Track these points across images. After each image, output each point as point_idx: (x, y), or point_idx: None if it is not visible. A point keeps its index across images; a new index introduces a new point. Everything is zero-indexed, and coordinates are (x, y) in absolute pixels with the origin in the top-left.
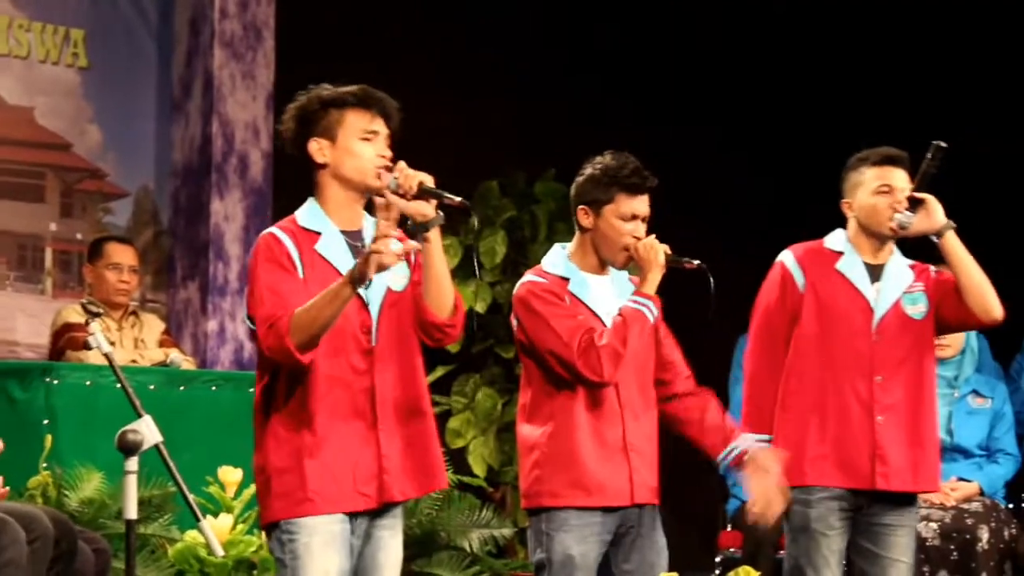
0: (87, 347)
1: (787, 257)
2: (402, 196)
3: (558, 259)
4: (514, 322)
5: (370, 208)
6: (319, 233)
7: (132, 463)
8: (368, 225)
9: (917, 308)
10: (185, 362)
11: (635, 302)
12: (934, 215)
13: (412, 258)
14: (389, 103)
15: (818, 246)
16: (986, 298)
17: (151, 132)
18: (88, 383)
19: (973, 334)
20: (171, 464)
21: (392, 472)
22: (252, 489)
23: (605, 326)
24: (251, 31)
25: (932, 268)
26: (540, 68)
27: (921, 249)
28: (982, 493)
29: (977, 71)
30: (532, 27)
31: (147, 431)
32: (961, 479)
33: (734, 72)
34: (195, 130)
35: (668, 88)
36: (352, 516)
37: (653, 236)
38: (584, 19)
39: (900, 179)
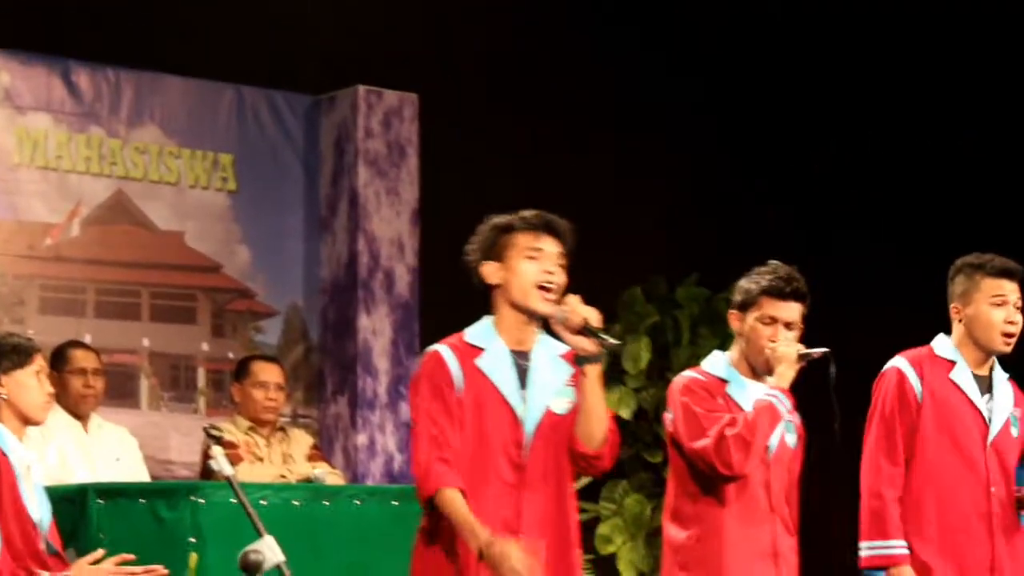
0: (209, 472)
1: (902, 364)
2: (568, 329)
3: (718, 361)
4: (667, 416)
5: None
6: (483, 349)
7: None
8: (540, 348)
9: (1018, 429)
10: (331, 476)
11: (766, 394)
12: None
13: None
14: (558, 223)
15: (929, 352)
16: None
17: (299, 251)
18: (234, 501)
19: None
20: None
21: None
22: None
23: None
24: (395, 149)
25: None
26: (684, 175)
27: None
28: None
29: None
30: (674, 133)
31: (268, 551)
32: None
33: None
34: (342, 247)
35: (811, 196)
36: None
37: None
38: (728, 124)
39: (1015, 292)
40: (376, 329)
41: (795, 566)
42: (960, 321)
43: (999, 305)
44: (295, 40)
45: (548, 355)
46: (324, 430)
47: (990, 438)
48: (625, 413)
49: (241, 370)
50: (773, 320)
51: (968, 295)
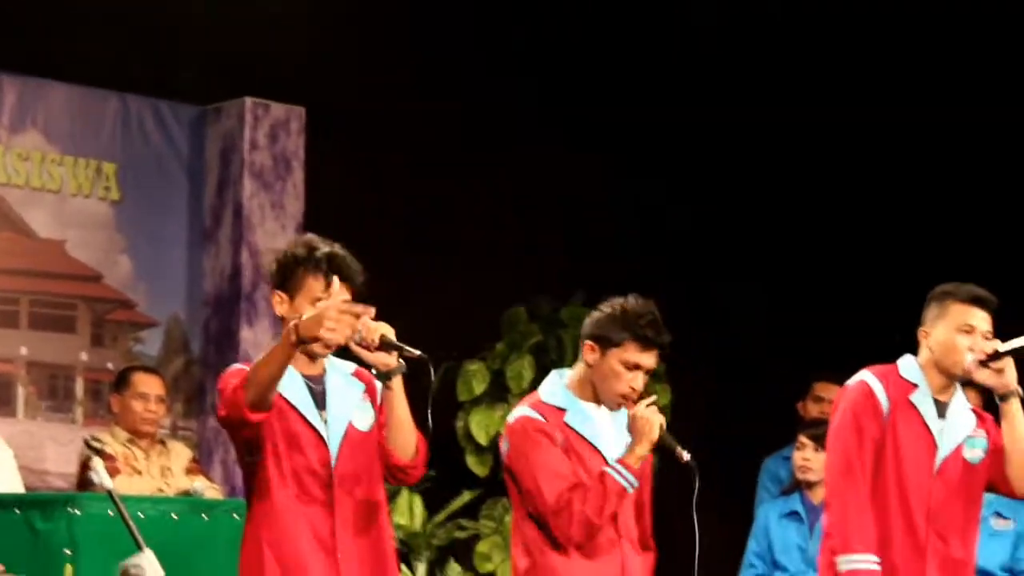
0: (89, 483)
1: (870, 378)
2: (365, 348)
3: (556, 388)
4: (503, 446)
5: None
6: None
7: None
8: (331, 370)
9: (974, 453)
10: (210, 490)
11: (618, 473)
12: (1008, 376)
13: (379, 401)
14: (347, 266)
15: (895, 372)
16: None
17: (182, 262)
18: (111, 513)
19: None
20: None
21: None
22: None
23: (604, 459)
24: (281, 162)
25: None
26: (571, 195)
27: None
28: None
29: None
30: (560, 154)
31: (148, 565)
32: None
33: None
34: (225, 260)
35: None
36: None
37: (653, 406)
38: (614, 145)
39: (983, 322)
40: (258, 342)
41: None
42: (927, 346)
43: (966, 333)
44: (182, 50)
45: (340, 375)
46: (203, 443)
47: (936, 464)
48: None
49: (121, 381)
50: (637, 367)
51: (936, 321)
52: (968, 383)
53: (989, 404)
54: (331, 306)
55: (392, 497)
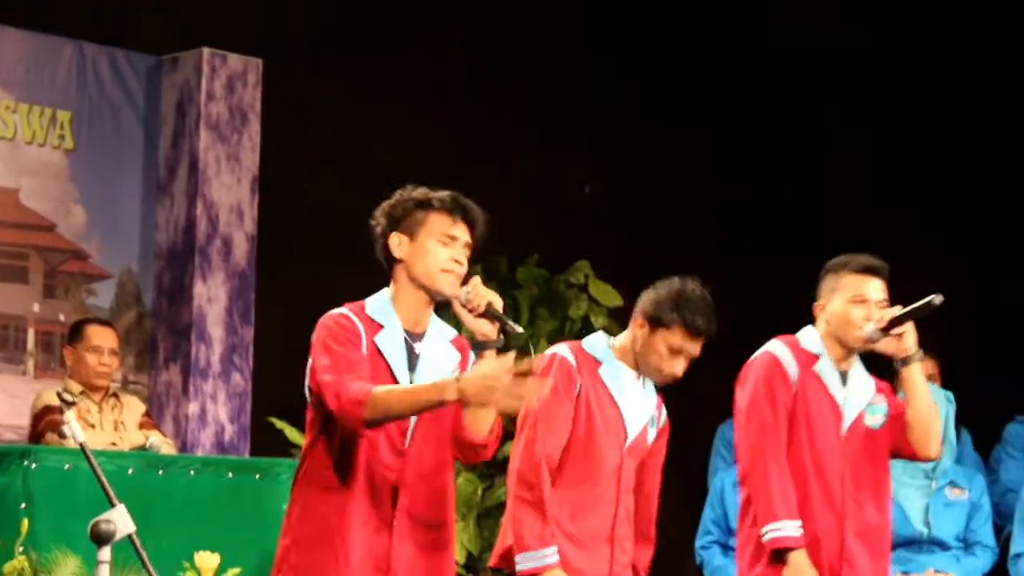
0: (62, 436)
1: (779, 350)
2: (469, 311)
3: (600, 343)
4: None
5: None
6: (383, 325)
7: (105, 553)
8: (432, 331)
9: (875, 419)
10: (165, 445)
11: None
12: (905, 343)
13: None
14: (475, 212)
15: (797, 343)
16: (929, 435)
17: (136, 214)
18: (67, 467)
19: (952, 426)
20: (143, 554)
21: (399, 572)
22: (230, 574)
23: (622, 416)
24: (237, 114)
25: (899, 394)
26: (526, 155)
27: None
28: None
29: None
30: (517, 113)
31: (120, 521)
32: (939, 571)
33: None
34: (179, 212)
35: (656, 178)
36: None
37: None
38: (572, 104)
39: (876, 291)
40: (212, 296)
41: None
42: (823, 319)
43: (859, 304)
44: None
45: (439, 339)
46: (155, 397)
47: (843, 430)
48: None
49: (74, 333)
50: (680, 352)
51: (831, 293)
52: (868, 352)
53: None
54: (501, 376)
55: None
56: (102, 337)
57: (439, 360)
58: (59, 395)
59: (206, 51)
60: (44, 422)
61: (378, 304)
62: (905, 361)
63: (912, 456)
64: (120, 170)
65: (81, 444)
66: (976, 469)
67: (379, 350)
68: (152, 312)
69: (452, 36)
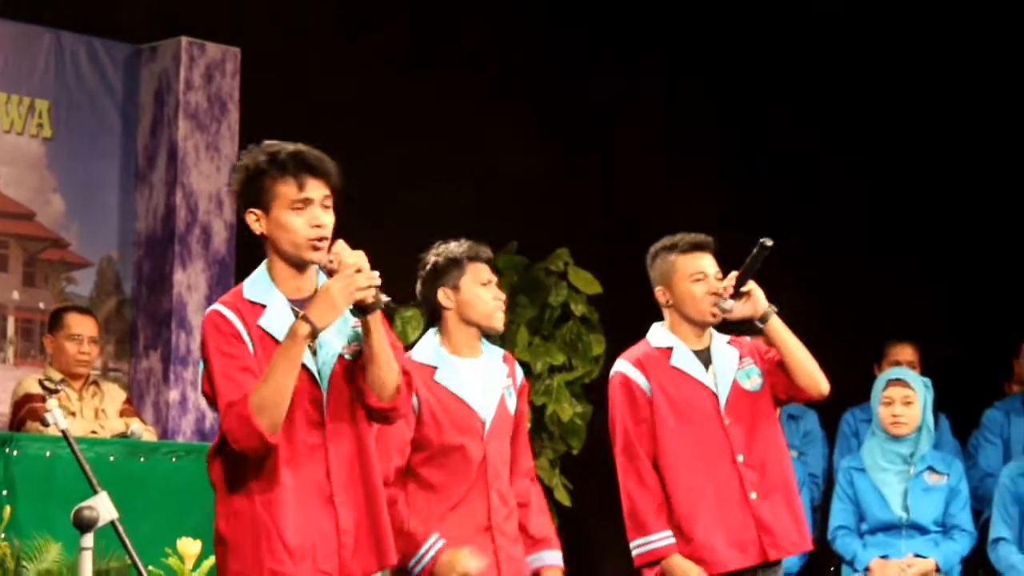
0: (44, 424)
1: (624, 367)
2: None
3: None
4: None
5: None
6: (264, 305)
7: (88, 539)
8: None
9: (752, 381)
10: (146, 432)
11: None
12: (758, 302)
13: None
14: (323, 164)
15: (645, 347)
16: (812, 375)
17: (115, 202)
18: (48, 454)
19: (930, 411)
20: (127, 540)
21: (350, 547)
22: (211, 561)
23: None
24: (216, 103)
25: (747, 339)
26: (503, 142)
27: None
28: (938, 570)
29: None
30: (495, 101)
31: (102, 508)
32: (917, 555)
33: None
34: (159, 200)
35: (626, 167)
36: None
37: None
38: (554, 102)
39: (710, 265)
40: (191, 284)
41: None
42: (668, 304)
43: (699, 280)
44: None
45: None
46: (135, 385)
47: (722, 408)
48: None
49: (54, 321)
50: (703, 274)
51: (668, 277)
52: (723, 324)
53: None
54: (336, 281)
55: None
56: (82, 325)
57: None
58: (41, 383)
59: (184, 40)
60: (25, 410)
61: (256, 283)
62: (763, 319)
63: (806, 398)
64: (99, 159)
65: (64, 431)
66: (954, 454)
67: (267, 332)
68: (132, 300)
69: (431, 20)
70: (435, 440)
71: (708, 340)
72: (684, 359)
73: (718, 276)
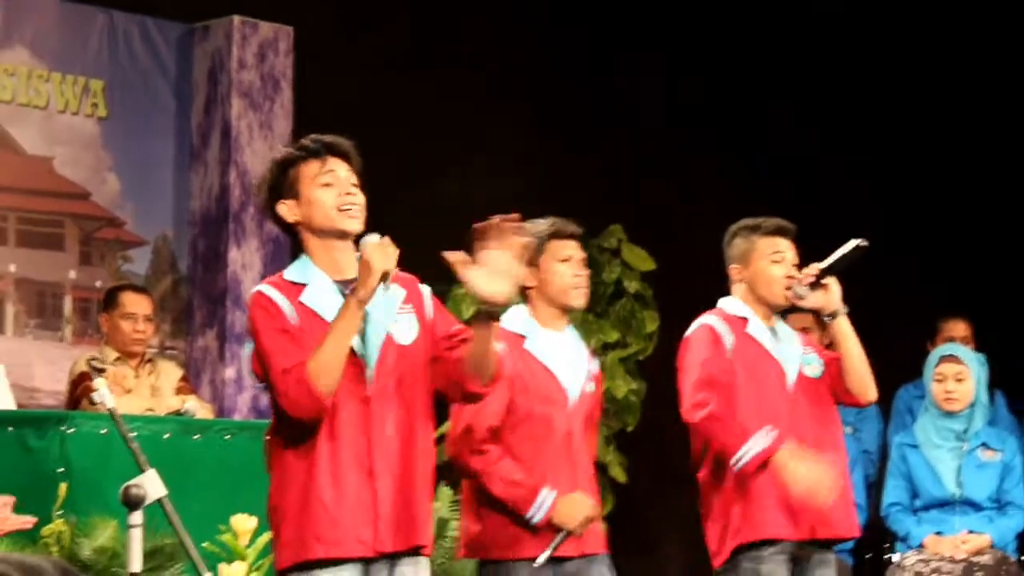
0: (92, 403)
1: (711, 320)
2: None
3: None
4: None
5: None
6: (305, 284)
7: (136, 517)
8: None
9: (813, 368)
10: (201, 409)
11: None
12: (833, 296)
13: (428, 310)
14: (340, 143)
15: (723, 311)
16: (864, 381)
17: (169, 181)
18: (103, 432)
19: (984, 387)
20: (175, 518)
21: (386, 521)
22: (265, 537)
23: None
24: (269, 81)
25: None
26: (557, 119)
27: None
28: (992, 546)
29: None
30: (541, 75)
31: (150, 485)
32: (971, 532)
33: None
34: (213, 179)
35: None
36: (366, 565)
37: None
38: (585, 66)
39: (789, 249)
40: (246, 263)
41: None
42: (741, 281)
43: (777, 262)
44: None
45: None
46: (192, 363)
47: (789, 383)
48: None
49: (109, 300)
50: (781, 256)
51: (747, 256)
52: (792, 309)
53: None
54: (369, 253)
55: None
56: (137, 304)
57: (381, 298)
58: (89, 362)
59: (236, 19)
60: (80, 388)
61: (297, 268)
62: (833, 315)
63: (852, 402)
64: (153, 138)
65: (111, 410)
66: (1010, 431)
67: (309, 307)
68: (187, 278)
69: (484, 2)
70: (521, 407)
71: (774, 322)
72: (759, 330)
73: (795, 263)
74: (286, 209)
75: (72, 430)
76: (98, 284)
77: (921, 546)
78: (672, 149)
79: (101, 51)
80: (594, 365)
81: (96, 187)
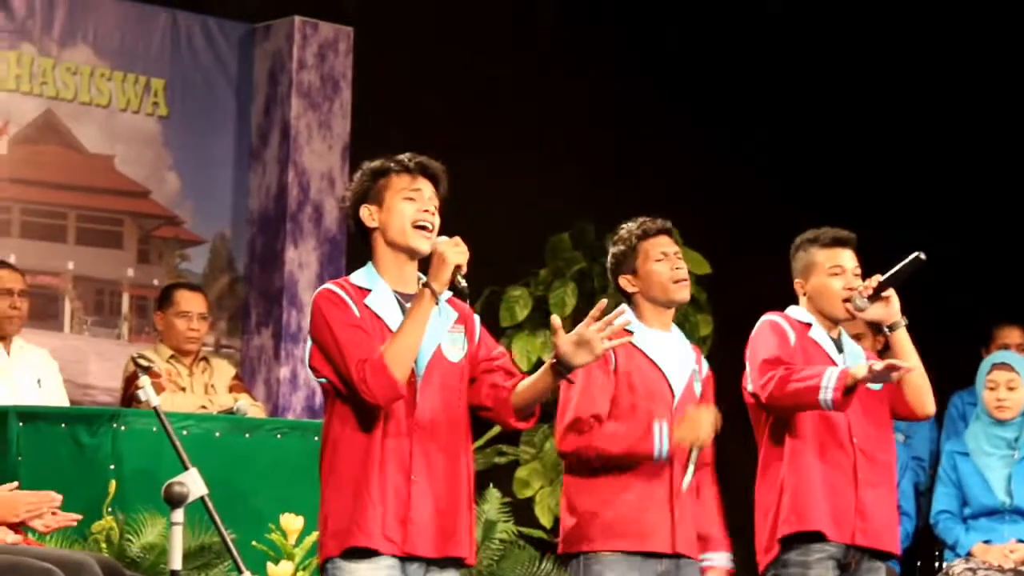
0: (136, 400)
1: (776, 318)
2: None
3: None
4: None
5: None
6: (370, 290)
7: (178, 515)
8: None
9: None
10: (253, 408)
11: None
12: (893, 308)
13: (476, 333)
14: (433, 166)
15: (788, 316)
16: (922, 394)
17: (228, 180)
18: (155, 429)
19: None
20: (216, 516)
21: (418, 525)
22: (313, 536)
23: (669, 383)
24: (328, 82)
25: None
26: (609, 120)
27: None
28: None
29: None
30: (599, 77)
31: (192, 483)
32: (1020, 541)
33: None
34: (271, 179)
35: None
36: (403, 563)
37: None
38: (646, 64)
39: (850, 260)
40: (303, 262)
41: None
42: (804, 295)
43: (836, 275)
44: None
45: None
46: (247, 361)
47: None
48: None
49: (164, 299)
50: (841, 268)
51: (808, 270)
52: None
53: None
54: (443, 247)
55: None
56: (191, 302)
57: (435, 314)
58: (134, 360)
59: (297, 19)
60: (134, 386)
61: (363, 274)
62: (892, 327)
63: (909, 416)
64: (213, 137)
65: (155, 407)
66: None
67: (372, 310)
68: (244, 277)
69: (545, 3)
70: (625, 401)
71: (838, 333)
72: (822, 336)
73: (856, 272)
74: (367, 213)
75: (124, 428)
76: (155, 282)
77: (970, 554)
78: (729, 153)
79: (163, 50)
80: (704, 366)
81: (156, 185)
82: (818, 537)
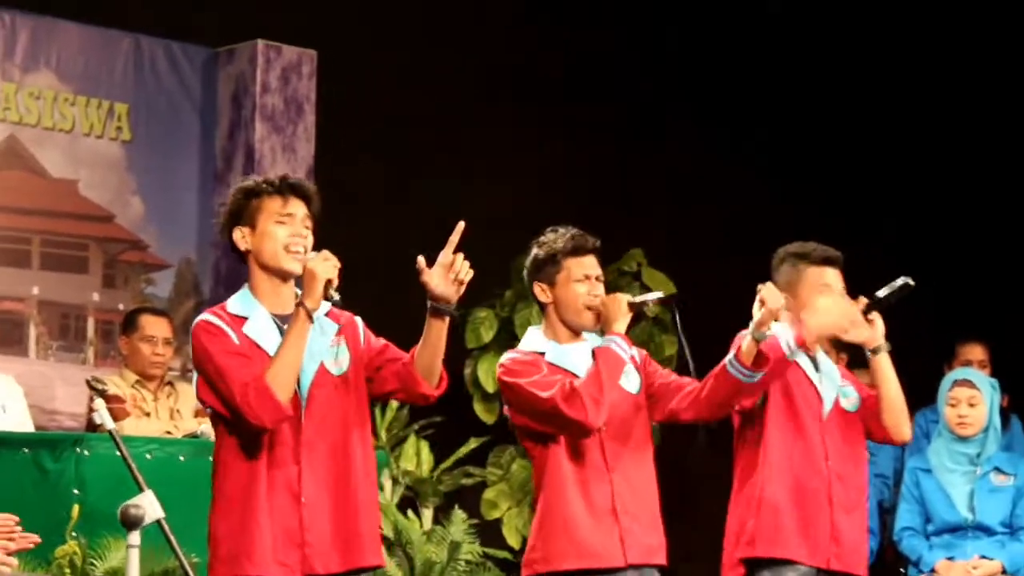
0: (92, 425)
1: None
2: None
3: (534, 338)
4: (506, 409)
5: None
6: (247, 317)
7: (134, 537)
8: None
9: (850, 401)
10: None
11: (605, 341)
12: (877, 332)
13: (360, 336)
14: (306, 187)
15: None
16: (899, 419)
17: (193, 204)
18: (118, 454)
19: (996, 412)
20: (173, 539)
21: (314, 546)
22: None
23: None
24: (292, 105)
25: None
26: (580, 145)
27: None
28: (1004, 571)
29: None
30: (570, 103)
31: (148, 506)
32: (983, 557)
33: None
34: None
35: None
36: None
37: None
38: (632, 111)
39: (837, 280)
40: None
41: (646, 519)
42: (787, 309)
43: (823, 294)
44: None
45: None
46: None
47: (824, 412)
48: None
49: (129, 323)
50: (586, 277)
51: (794, 284)
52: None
53: None
54: (312, 263)
55: (399, 443)
56: (155, 327)
57: (315, 332)
58: (88, 383)
59: (260, 43)
60: (90, 409)
61: (239, 300)
62: (875, 350)
63: (885, 439)
64: (177, 161)
65: (110, 431)
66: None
67: (251, 339)
68: (210, 301)
69: (506, 25)
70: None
71: (816, 351)
72: (801, 356)
73: (842, 293)
74: (240, 235)
75: (87, 452)
76: (121, 307)
77: (933, 571)
78: (695, 173)
79: (126, 75)
80: (635, 352)
81: (120, 210)
82: (789, 562)
